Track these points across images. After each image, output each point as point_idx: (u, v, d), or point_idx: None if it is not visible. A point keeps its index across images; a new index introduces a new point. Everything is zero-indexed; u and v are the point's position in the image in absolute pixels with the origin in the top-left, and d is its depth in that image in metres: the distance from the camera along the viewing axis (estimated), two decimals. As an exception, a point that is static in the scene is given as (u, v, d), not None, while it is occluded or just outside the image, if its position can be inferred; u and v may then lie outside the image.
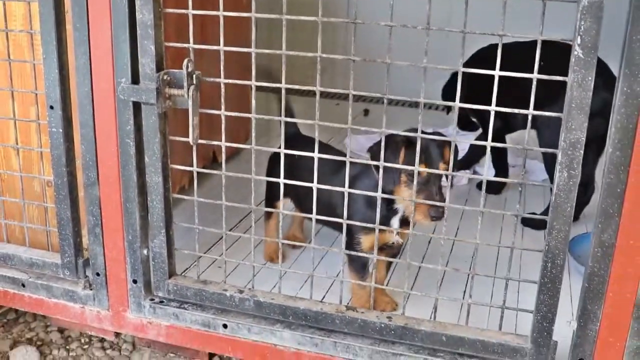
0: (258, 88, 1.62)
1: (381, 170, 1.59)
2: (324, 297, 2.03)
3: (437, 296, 1.65)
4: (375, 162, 1.67)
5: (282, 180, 1.68)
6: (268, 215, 2.27)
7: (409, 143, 1.71)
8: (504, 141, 2.80)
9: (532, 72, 1.38)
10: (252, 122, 1.64)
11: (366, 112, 4.21)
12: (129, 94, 1.64)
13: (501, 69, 1.41)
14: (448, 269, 1.68)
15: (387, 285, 2.08)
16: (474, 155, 3.08)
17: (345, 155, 1.63)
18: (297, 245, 2.32)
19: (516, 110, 1.43)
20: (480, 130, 3.03)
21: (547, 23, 1.35)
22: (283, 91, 1.62)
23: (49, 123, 1.77)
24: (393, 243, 1.89)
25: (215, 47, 1.59)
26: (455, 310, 1.92)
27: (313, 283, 1.76)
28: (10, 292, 2.00)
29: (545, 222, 1.45)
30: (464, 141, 1.72)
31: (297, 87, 1.61)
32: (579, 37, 1.29)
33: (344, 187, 1.64)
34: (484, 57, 2.49)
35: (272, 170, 2.16)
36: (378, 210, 1.63)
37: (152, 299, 1.85)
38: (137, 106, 1.67)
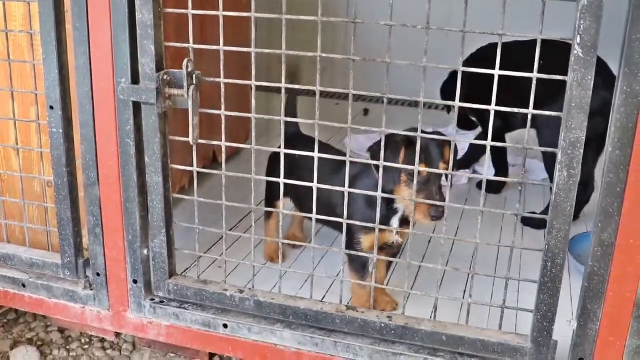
0: (258, 88, 1.62)
1: (381, 170, 1.59)
2: (324, 297, 2.03)
3: (437, 296, 1.65)
4: (375, 162, 1.67)
5: (282, 180, 1.68)
6: (268, 215, 2.27)
7: (409, 143, 1.71)
8: (503, 140, 2.80)
9: (531, 71, 1.38)
10: (252, 122, 1.64)
11: (366, 111, 4.21)
12: (129, 94, 1.64)
13: (500, 68, 1.41)
14: (448, 269, 1.68)
15: (387, 285, 2.08)
16: (474, 154, 3.08)
17: (345, 155, 1.63)
18: (297, 245, 2.32)
19: (516, 110, 1.43)
20: (479, 129, 3.03)
21: (547, 22, 1.35)
22: (283, 91, 1.62)
23: (49, 123, 1.78)
24: (393, 243, 1.89)
25: (215, 47, 1.60)
26: (455, 310, 1.92)
27: (313, 283, 1.76)
28: (10, 293, 2.00)
29: (545, 222, 1.45)
30: (464, 141, 1.72)
31: (297, 87, 1.61)
32: (578, 37, 1.29)
33: (344, 186, 1.64)
34: (483, 56, 2.49)
35: (272, 169, 2.16)
36: (378, 210, 1.64)
37: (152, 299, 1.85)
38: (137, 106, 1.67)
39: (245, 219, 2.51)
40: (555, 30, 1.33)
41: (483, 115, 2.78)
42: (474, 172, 3.17)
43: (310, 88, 1.56)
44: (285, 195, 1.79)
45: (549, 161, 2.53)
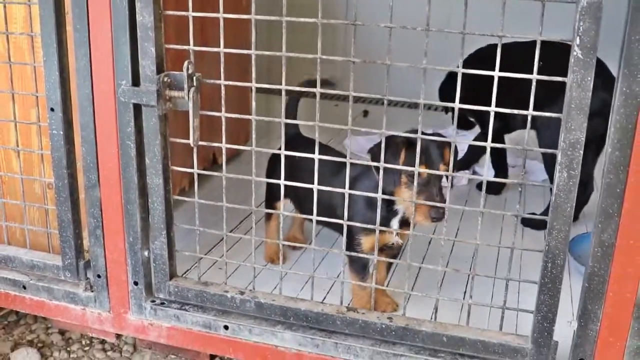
0: (258, 90, 1.63)
1: (381, 171, 1.60)
2: (324, 298, 2.04)
3: (437, 297, 1.65)
4: (375, 163, 1.67)
5: (282, 182, 1.68)
6: (268, 216, 2.27)
7: (409, 144, 1.71)
8: (502, 141, 2.81)
9: (530, 72, 1.39)
10: (252, 123, 1.64)
11: (365, 113, 4.22)
12: (130, 96, 1.64)
13: (499, 69, 1.41)
14: (448, 270, 1.68)
15: (387, 286, 2.08)
16: (473, 155, 3.09)
17: (345, 157, 1.63)
18: (297, 246, 2.32)
19: (516, 111, 1.43)
20: (477, 129, 3.03)
21: (546, 24, 1.35)
22: (283, 92, 1.62)
23: (50, 125, 1.78)
24: (393, 244, 1.89)
25: (215, 49, 1.60)
26: (455, 311, 1.92)
27: (314, 284, 1.76)
28: (11, 294, 2.00)
29: (545, 222, 1.45)
30: (464, 142, 1.73)
31: (297, 88, 1.61)
32: (578, 38, 1.30)
33: (344, 188, 1.64)
34: (481, 57, 2.50)
35: (272, 171, 2.17)
36: (378, 211, 1.64)
37: (153, 301, 1.86)
38: (137, 108, 1.67)
39: (245, 221, 2.52)
40: (555, 31, 1.34)
41: (482, 116, 2.79)
42: (474, 173, 3.17)
43: (311, 90, 1.57)
44: (285, 196, 1.80)
45: (549, 162, 2.53)
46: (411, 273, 1.76)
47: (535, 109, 1.41)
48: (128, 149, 1.71)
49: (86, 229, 1.87)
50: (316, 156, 1.62)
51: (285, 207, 2.04)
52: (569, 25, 1.32)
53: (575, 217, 2.56)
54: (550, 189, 1.45)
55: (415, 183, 1.59)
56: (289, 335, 1.73)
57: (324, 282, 2.03)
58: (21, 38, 1.86)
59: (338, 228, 1.82)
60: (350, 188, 1.64)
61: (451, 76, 2.92)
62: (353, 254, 1.82)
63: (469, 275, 1.63)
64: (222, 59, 1.61)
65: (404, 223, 1.85)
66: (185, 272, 1.99)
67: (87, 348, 2.10)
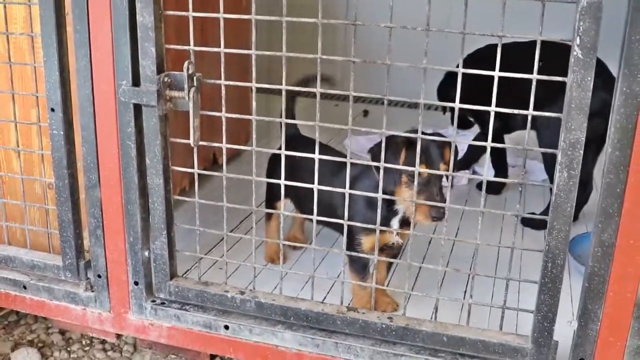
0: (258, 90, 1.63)
1: (382, 171, 1.60)
2: (325, 298, 2.04)
3: (437, 296, 1.65)
4: (375, 163, 1.67)
5: (282, 182, 1.68)
6: (269, 216, 2.27)
7: (410, 144, 1.71)
8: (502, 141, 2.81)
9: (529, 72, 1.39)
10: (253, 123, 1.64)
11: (365, 113, 4.22)
12: (130, 96, 1.64)
13: (498, 69, 1.41)
14: (448, 270, 1.68)
15: (387, 285, 2.08)
16: (473, 155, 3.09)
17: (345, 156, 1.63)
18: (297, 246, 2.32)
19: (516, 111, 1.43)
20: (477, 129, 3.03)
21: (546, 24, 1.36)
22: (284, 92, 1.62)
23: (50, 125, 1.78)
24: (393, 244, 1.89)
25: (215, 49, 1.60)
26: (456, 311, 1.92)
27: (314, 284, 1.76)
28: (11, 294, 2.00)
29: (545, 222, 1.45)
30: (464, 142, 1.73)
31: (297, 88, 1.61)
32: (578, 38, 1.30)
33: (344, 188, 1.64)
34: (480, 57, 2.50)
35: (272, 171, 2.17)
36: (379, 211, 1.64)
37: (153, 301, 1.86)
38: (137, 108, 1.67)
39: (245, 221, 2.52)
40: (555, 31, 1.34)
41: (481, 116, 2.79)
42: (474, 172, 3.17)
43: (311, 89, 1.57)
44: (285, 196, 1.80)
45: (549, 162, 2.53)
46: (411, 273, 1.76)
47: (535, 109, 1.41)
48: (128, 149, 1.71)
49: (86, 229, 1.87)
50: (316, 156, 1.62)
51: (285, 207, 2.04)
52: (569, 25, 1.32)
53: (575, 217, 2.56)
54: (550, 189, 1.45)
55: (416, 183, 1.59)
56: (289, 335, 1.73)
57: (324, 282, 2.03)
58: (21, 38, 1.86)
59: (338, 228, 1.82)
60: (350, 188, 1.64)
61: (450, 76, 2.92)
62: (353, 253, 1.82)
63: (469, 275, 1.63)
64: (222, 59, 1.61)
65: (404, 223, 1.85)
66: (185, 272, 1.99)
67: (87, 348, 2.10)
